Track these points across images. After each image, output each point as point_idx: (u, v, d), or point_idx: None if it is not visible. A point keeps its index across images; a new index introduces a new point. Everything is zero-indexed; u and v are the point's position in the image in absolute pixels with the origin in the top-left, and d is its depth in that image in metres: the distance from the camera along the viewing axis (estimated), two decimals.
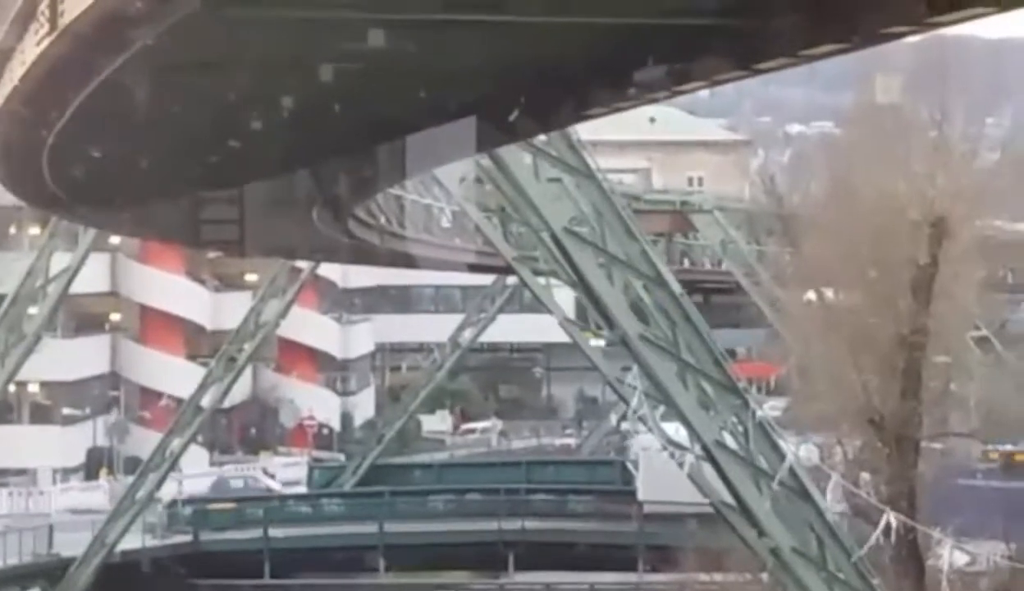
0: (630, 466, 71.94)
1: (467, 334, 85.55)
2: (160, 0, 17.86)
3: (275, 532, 71.99)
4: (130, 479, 71.66)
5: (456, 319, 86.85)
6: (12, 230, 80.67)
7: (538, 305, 49.67)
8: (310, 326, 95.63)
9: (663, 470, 51.48)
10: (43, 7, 23.01)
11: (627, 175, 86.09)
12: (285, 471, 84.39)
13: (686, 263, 69.22)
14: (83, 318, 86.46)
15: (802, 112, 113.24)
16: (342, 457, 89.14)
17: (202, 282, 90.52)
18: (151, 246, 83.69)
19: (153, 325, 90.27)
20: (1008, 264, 65.22)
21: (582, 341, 42.91)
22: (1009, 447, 57.29)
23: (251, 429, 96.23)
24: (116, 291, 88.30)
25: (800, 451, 43.88)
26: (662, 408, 41.78)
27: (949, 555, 47.60)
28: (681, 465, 43.01)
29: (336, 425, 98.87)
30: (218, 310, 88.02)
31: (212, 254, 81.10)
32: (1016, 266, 69.61)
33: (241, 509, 74.85)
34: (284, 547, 71.22)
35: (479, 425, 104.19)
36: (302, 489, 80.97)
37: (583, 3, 17.86)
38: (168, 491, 71.20)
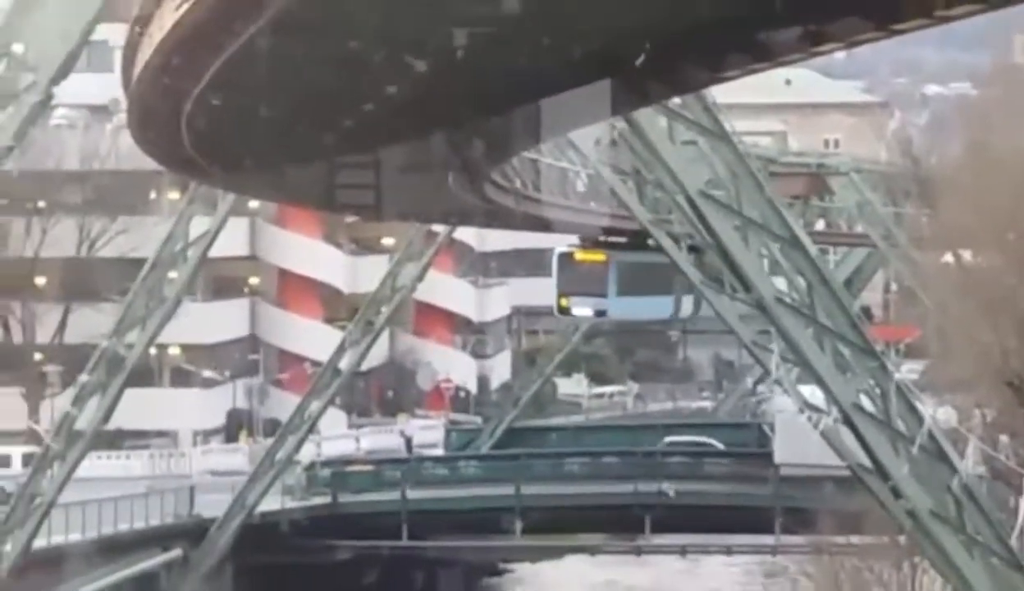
0: (766, 429, 71.83)
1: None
2: None
3: (412, 494, 72.21)
4: (269, 441, 72.11)
5: None
6: (152, 195, 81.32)
7: (676, 265, 49.81)
8: (446, 289, 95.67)
9: (799, 433, 51.41)
10: None
11: (762, 138, 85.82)
12: (423, 434, 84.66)
13: (821, 225, 68.77)
14: (222, 282, 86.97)
15: (939, 73, 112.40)
16: (479, 420, 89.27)
17: (339, 246, 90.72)
18: (288, 210, 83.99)
19: (291, 288, 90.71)
20: None
21: (719, 304, 42.77)
22: None
23: (388, 392, 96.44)
24: (254, 255, 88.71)
25: (938, 414, 43.57)
26: (798, 371, 41.68)
27: None
28: (817, 428, 42.96)
29: (473, 388, 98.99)
30: (355, 274, 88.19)
31: (349, 218, 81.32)
32: None
33: (379, 471, 75.11)
34: (421, 509, 71.38)
35: (609, 389, 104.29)
36: (439, 451, 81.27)
37: None
38: (307, 453, 71.53)
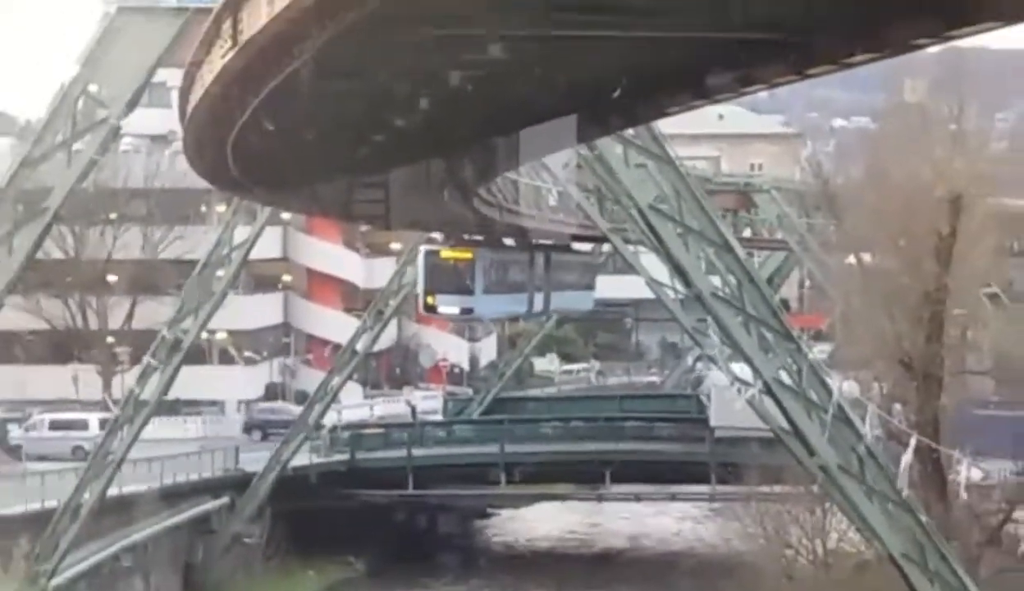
0: (704, 399, 71.83)
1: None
2: (317, 22, 17.92)
3: (416, 452, 72.31)
4: (299, 409, 72.24)
5: None
6: (203, 208, 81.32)
7: (628, 268, 49.64)
8: None
9: (731, 402, 51.29)
10: (226, 27, 23.11)
11: (700, 161, 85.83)
12: (424, 403, 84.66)
13: (748, 233, 68.84)
14: (260, 279, 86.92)
15: (844, 109, 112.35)
16: (470, 391, 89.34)
17: (356, 249, 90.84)
18: (315, 220, 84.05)
19: (317, 284, 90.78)
20: (1014, 233, 64.71)
21: (665, 297, 42.80)
22: None
23: (396, 369, 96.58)
24: (287, 257, 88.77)
25: (843, 386, 43.60)
26: (729, 351, 41.71)
27: (967, 471, 47.30)
28: (745, 397, 42.99)
29: (465, 365, 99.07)
30: (369, 272, 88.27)
31: (363, 227, 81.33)
32: (1021, 235, 69.08)
33: (389, 433, 75.20)
34: (424, 464, 71.45)
35: (576, 366, 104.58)
36: (438, 417, 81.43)
37: (664, 22, 17.80)
38: (330, 419, 71.65)
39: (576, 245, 51.64)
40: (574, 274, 50.44)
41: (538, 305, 48.54)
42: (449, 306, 44.10)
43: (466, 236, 43.95)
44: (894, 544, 37.97)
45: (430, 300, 43.27)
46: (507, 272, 45.04)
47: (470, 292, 42.64)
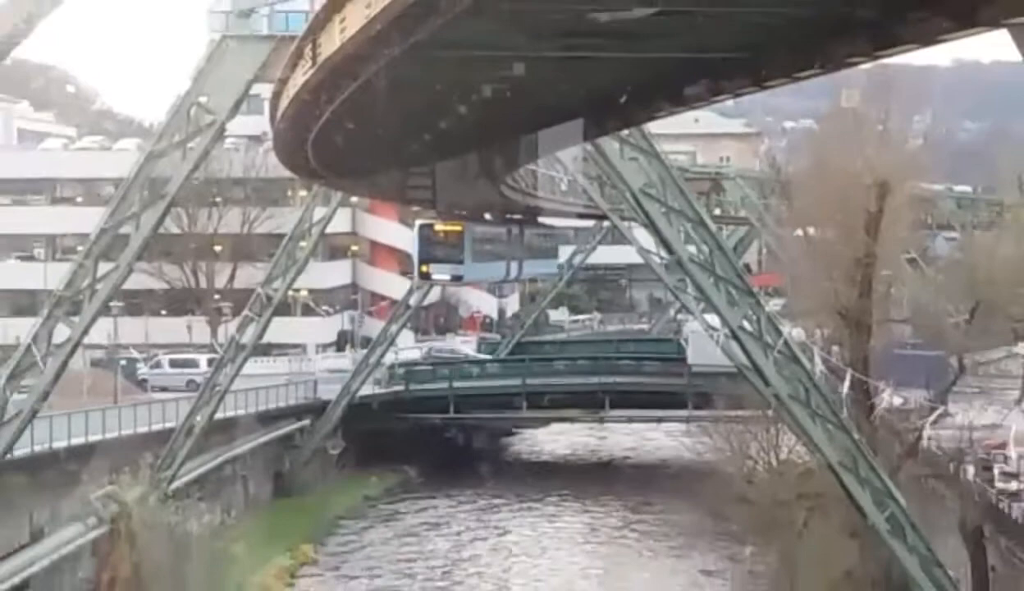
0: (683, 342, 71.85)
1: (577, 258, 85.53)
2: (378, 47, 17.96)
3: (456, 384, 72.53)
4: (365, 351, 72.49)
5: (570, 248, 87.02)
6: (288, 193, 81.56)
7: (623, 239, 49.70)
8: None
9: (704, 344, 51.42)
10: (307, 51, 23.18)
11: (680, 155, 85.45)
12: (462, 346, 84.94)
13: (718, 211, 68.76)
14: (334, 249, 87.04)
15: (793, 114, 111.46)
16: (499, 337, 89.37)
17: (409, 226, 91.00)
18: (376, 203, 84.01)
19: (378, 253, 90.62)
20: (927, 211, 64.68)
21: (652, 262, 42.77)
22: None
23: (440, 319, 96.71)
24: (355, 231, 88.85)
25: (793, 332, 43.64)
26: (703, 304, 41.75)
27: (889, 398, 47.35)
28: (716, 341, 43.05)
29: (495, 316, 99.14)
30: None
31: (415, 208, 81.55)
32: (933, 212, 69.07)
33: (435, 369, 75.39)
34: (462, 394, 71.64)
35: (582, 317, 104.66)
36: (474, 353, 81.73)
37: (650, 45, 17.83)
38: (388, 358, 71.90)
39: (543, 219, 49.63)
40: (542, 244, 48.99)
41: (514, 271, 46.36)
42: (441, 273, 41.45)
43: (455, 212, 41.03)
44: (832, 455, 38.04)
45: (424, 269, 40.50)
46: (490, 243, 42.57)
47: (460, 261, 40.04)
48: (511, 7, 14.71)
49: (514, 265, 44.66)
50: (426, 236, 39.69)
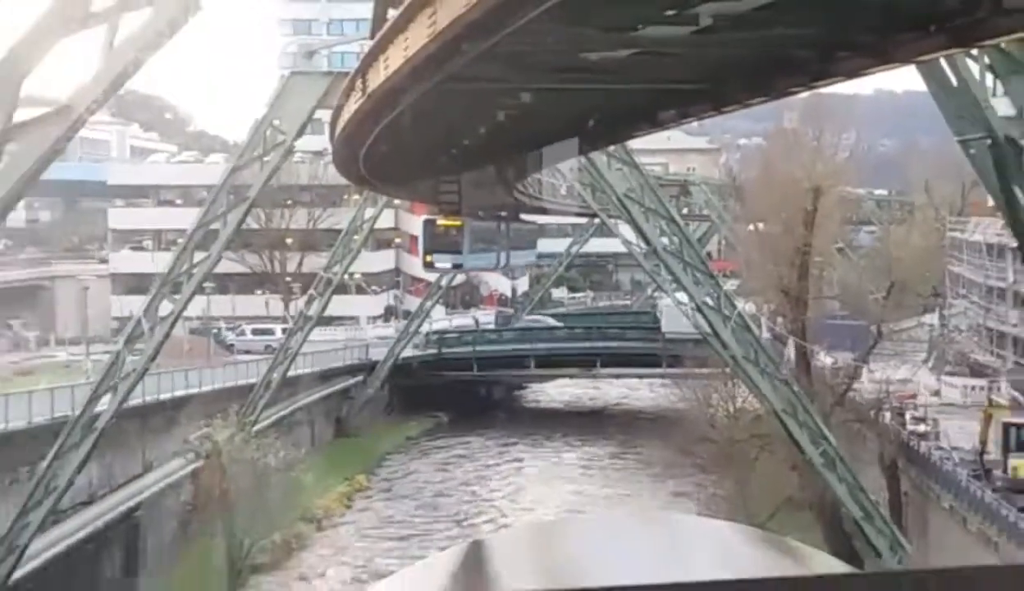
0: (658, 314, 71.75)
1: (574, 248, 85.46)
2: (414, 82, 17.90)
3: (479, 348, 72.56)
4: (406, 322, 72.52)
5: (568, 240, 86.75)
6: (345, 197, 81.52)
7: (610, 233, 49.60)
8: None
9: (675, 316, 51.38)
10: (358, 85, 23.12)
11: (655, 166, 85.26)
12: (483, 317, 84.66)
13: (685, 211, 68.66)
14: (380, 241, 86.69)
15: (745, 132, 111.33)
16: (511, 311, 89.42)
17: None
18: (415, 204, 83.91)
19: (415, 244, 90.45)
20: (853, 210, 64.53)
21: (634, 251, 42.67)
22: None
23: (466, 296, 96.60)
24: (397, 226, 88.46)
25: (745, 306, 43.62)
26: (674, 284, 41.72)
27: (823, 359, 47.41)
28: (685, 313, 43.02)
29: (508, 294, 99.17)
30: None
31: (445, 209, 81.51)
32: (857, 211, 68.94)
33: (462, 336, 75.35)
34: (483, 356, 71.65)
35: (578, 295, 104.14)
36: (492, 325, 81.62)
37: (629, 77, 17.76)
38: (425, 327, 71.92)
39: (524, 216, 47.18)
40: (525, 238, 47.80)
41: (502, 260, 43.93)
42: (443, 262, 38.58)
43: (460, 210, 37.83)
44: (777, 404, 38.03)
45: (428, 259, 37.79)
46: (483, 237, 40.07)
47: (460, 252, 37.46)
48: (518, 49, 14.65)
49: (503, 255, 42.91)
50: (430, 231, 37.48)
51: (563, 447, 64.73)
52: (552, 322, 79.66)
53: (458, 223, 37.30)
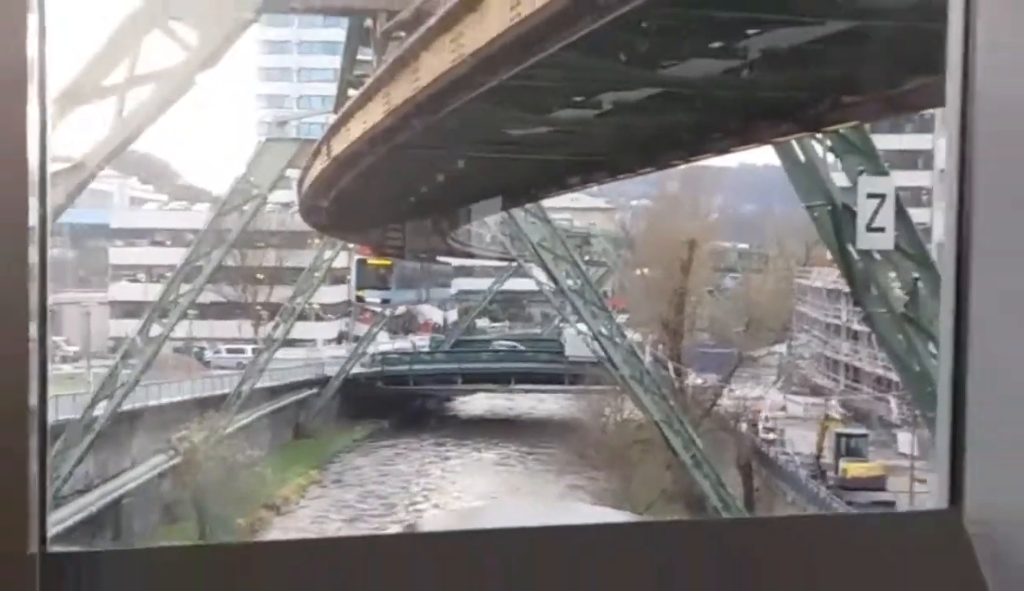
0: (563, 341, 71.72)
1: (496, 286, 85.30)
2: (367, 150, 17.90)
3: (415, 367, 72.15)
4: (355, 344, 71.85)
5: (490, 279, 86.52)
6: (309, 241, 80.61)
7: (526, 274, 49.68)
8: None
9: (577, 342, 51.47)
10: (323, 149, 23.07)
11: (563, 221, 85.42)
12: (420, 342, 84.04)
13: (587, 258, 68.88)
14: (336, 277, 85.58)
15: (637, 194, 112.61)
16: (443, 336, 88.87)
17: None
18: (363, 248, 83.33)
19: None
20: (721, 260, 65.32)
21: (545, 289, 42.74)
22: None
23: (405, 324, 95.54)
24: (350, 266, 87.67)
25: (633, 336, 43.92)
26: (576, 317, 41.86)
27: (695, 380, 47.79)
28: (584, 340, 43.20)
29: (440, 323, 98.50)
30: None
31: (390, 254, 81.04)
32: (724, 261, 69.80)
33: (400, 356, 74.74)
34: (418, 373, 71.25)
35: (498, 324, 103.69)
36: (426, 348, 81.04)
37: (546, 150, 17.94)
38: (371, 349, 71.20)
39: (441, 258, 45.37)
40: (442, 277, 46.62)
41: (423, 296, 42.26)
42: (373, 298, 36.76)
43: (384, 251, 35.97)
44: (657, 415, 38.27)
45: (359, 294, 36.03)
46: (408, 276, 38.23)
47: (388, 288, 35.34)
48: (456, 125, 14.77)
49: (424, 291, 41.72)
50: (362, 270, 35.52)
51: (483, 447, 64.50)
52: (519, 346, 78.99)
53: (387, 263, 35.30)
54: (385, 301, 39.59)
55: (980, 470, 1.19)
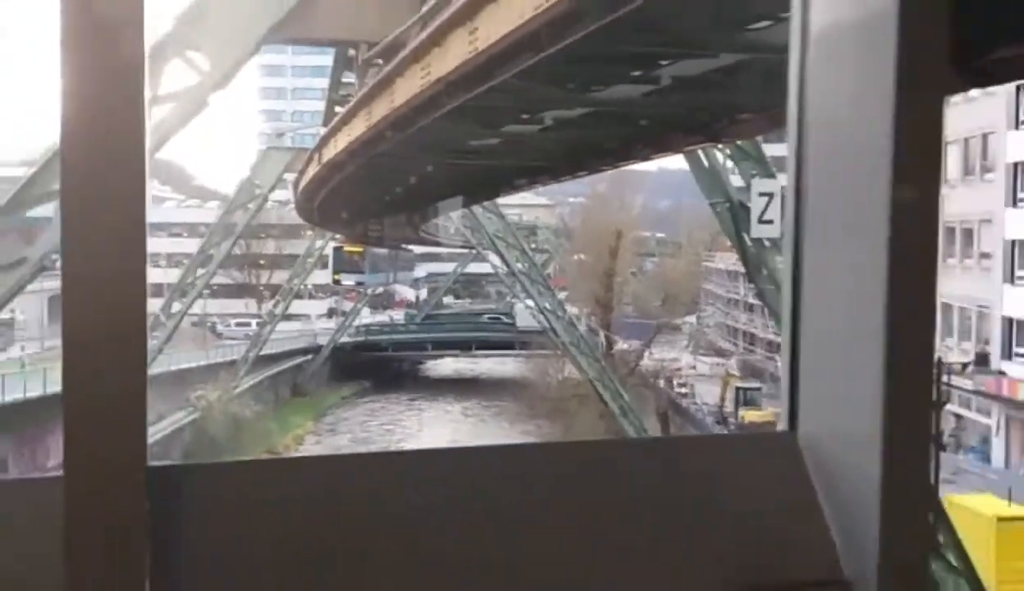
0: (514, 314, 71.84)
1: (459, 270, 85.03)
2: (350, 158, 17.89)
3: (392, 336, 71.95)
4: (343, 319, 71.50)
5: (454, 264, 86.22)
6: (303, 232, 79.79)
7: (484, 259, 49.63)
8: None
9: (526, 315, 51.57)
10: (315, 157, 22.96)
11: (514, 215, 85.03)
12: (396, 316, 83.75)
13: (533, 246, 68.86)
14: (325, 262, 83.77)
15: (574, 193, 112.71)
16: (415, 311, 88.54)
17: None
18: (346, 240, 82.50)
19: None
20: (643, 246, 65.78)
21: (499, 271, 42.69)
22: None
23: (384, 301, 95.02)
24: None
25: (572, 310, 44.14)
26: (525, 294, 41.96)
27: (622, 345, 48.17)
28: (532, 314, 43.35)
29: (413, 299, 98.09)
30: None
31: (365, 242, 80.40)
32: (645, 247, 70.29)
33: (380, 328, 74.58)
34: (395, 342, 71.14)
35: (460, 301, 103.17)
36: (402, 321, 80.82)
37: (497, 158, 18.03)
38: (356, 321, 70.86)
39: (406, 246, 44.82)
40: (407, 262, 46.29)
41: (392, 279, 40.50)
42: (348, 280, 35.41)
43: (360, 240, 34.93)
44: (591, 374, 38.51)
45: (336, 277, 34.69)
46: (379, 261, 37.84)
47: (361, 272, 34.86)
48: (424, 137, 14.84)
49: (392, 275, 40.57)
50: (338, 256, 35.13)
51: (451, 402, 64.56)
52: (504, 319, 78.56)
53: (360, 250, 35.09)
54: (360, 283, 39.24)
55: (811, 398, 1.34)
